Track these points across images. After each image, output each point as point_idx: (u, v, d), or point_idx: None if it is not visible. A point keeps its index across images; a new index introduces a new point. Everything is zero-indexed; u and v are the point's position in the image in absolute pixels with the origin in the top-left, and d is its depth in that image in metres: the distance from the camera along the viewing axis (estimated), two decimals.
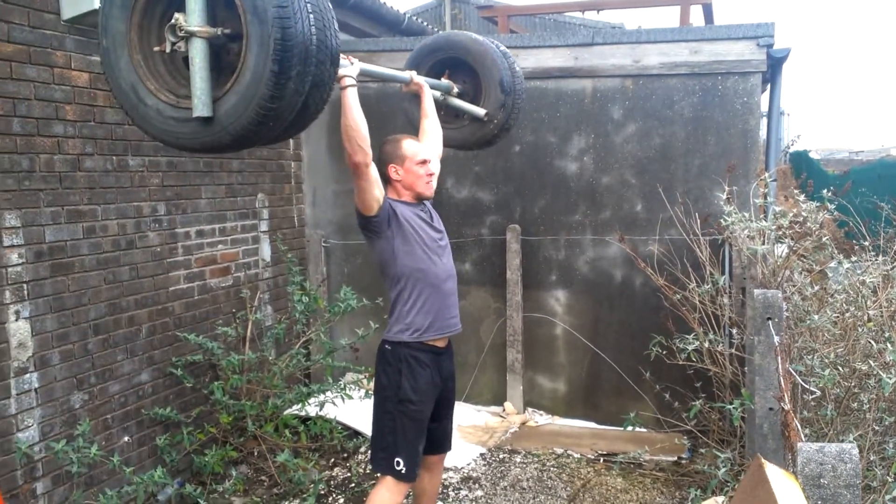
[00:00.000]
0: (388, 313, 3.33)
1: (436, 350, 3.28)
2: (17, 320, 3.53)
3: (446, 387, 3.38)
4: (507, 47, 5.34)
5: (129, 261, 4.17)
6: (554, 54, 5.36)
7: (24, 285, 3.57)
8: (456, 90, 3.97)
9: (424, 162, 3.28)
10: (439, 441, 3.45)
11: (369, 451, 3.42)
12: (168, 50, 2.37)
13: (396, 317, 3.27)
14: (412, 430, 3.21)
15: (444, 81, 3.92)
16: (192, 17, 2.27)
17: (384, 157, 3.29)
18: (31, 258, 3.59)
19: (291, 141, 5.68)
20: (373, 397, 3.33)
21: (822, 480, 1.45)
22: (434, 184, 3.38)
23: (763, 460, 1.54)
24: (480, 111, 3.92)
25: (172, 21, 2.31)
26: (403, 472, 3.18)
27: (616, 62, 5.26)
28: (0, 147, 3.44)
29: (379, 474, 3.32)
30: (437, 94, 3.84)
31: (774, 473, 1.47)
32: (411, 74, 3.65)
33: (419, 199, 3.35)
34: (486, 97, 3.94)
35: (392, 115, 5.66)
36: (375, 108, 5.69)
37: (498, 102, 3.91)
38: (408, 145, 3.28)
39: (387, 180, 3.30)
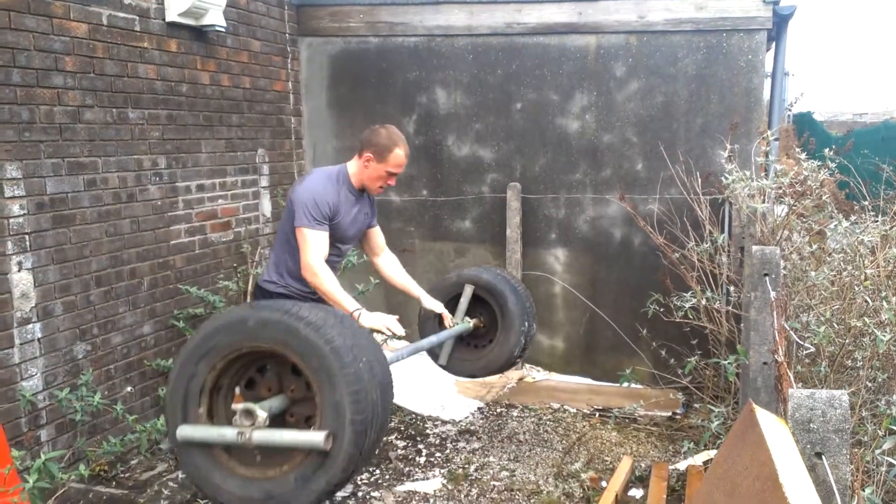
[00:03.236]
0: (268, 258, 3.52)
1: (306, 295, 3.43)
2: (19, 271, 3.55)
3: None
4: (511, 2, 5.30)
5: (129, 214, 4.18)
6: (558, 9, 5.29)
7: (26, 236, 3.58)
8: (472, 324, 4.15)
9: (393, 175, 3.43)
10: None
11: None
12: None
13: (275, 268, 3.47)
14: None
15: (467, 324, 4.12)
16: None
17: (372, 140, 3.37)
18: (32, 209, 3.60)
19: (291, 96, 5.65)
20: None
21: (811, 425, 1.49)
22: (381, 192, 3.56)
23: (754, 405, 1.57)
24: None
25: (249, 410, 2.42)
26: None
27: (620, 18, 5.20)
28: (0, 97, 3.42)
29: None
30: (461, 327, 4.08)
31: (765, 418, 1.51)
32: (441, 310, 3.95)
33: (360, 192, 3.50)
34: (504, 328, 4.15)
35: (390, 71, 5.63)
36: (375, 64, 5.65)
37: (519, 332, 4.14)
38: (396, 155, 3.37)
39: (358, 153, 3.44)
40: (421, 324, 4.27)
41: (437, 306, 3.88)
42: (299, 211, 3.27)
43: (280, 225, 3.52)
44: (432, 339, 3.84)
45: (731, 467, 1.57)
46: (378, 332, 3.34)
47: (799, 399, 1.50)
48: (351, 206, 3.46)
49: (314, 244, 3.27)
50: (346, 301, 3.28)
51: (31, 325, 3.63)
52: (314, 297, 3.45)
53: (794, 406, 1.50)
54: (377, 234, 3.80)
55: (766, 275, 3.02)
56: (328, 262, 3.39)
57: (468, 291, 4.14)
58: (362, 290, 4.90)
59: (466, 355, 4.23)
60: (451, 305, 4.14)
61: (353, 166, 3.46)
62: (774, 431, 1.47)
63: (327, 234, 3.32)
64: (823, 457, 1.48)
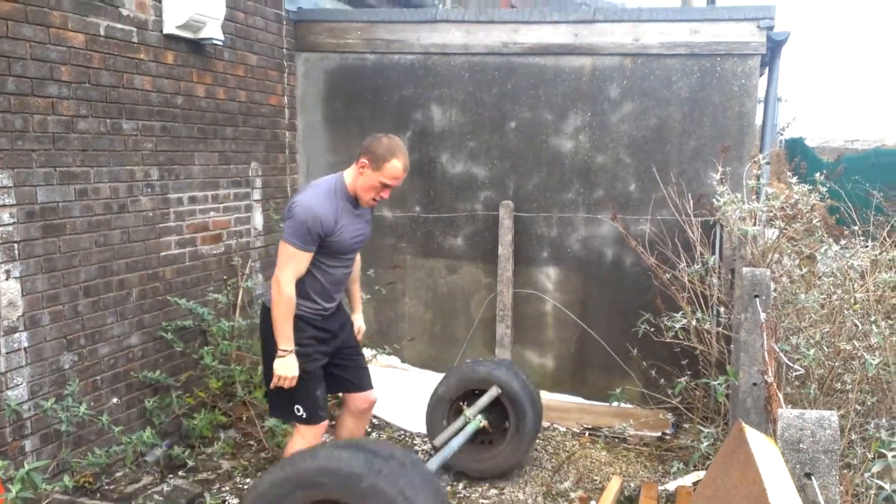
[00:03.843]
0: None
1: (318, 313, 3.44)
2: (7, 280, 3.53)
3: (342, 335, 3.59)
4: (508, 22, 5.35)
5: (120, 224, 4.16)
6: (554, 30, 5.34)
7: (15, 245, 3.56)
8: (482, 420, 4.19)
9: (387, 187, 3.34)
10: (355, 381, 3.64)
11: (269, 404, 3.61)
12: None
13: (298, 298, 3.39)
14: (304, 380, 3.35)
15: (479, 423, 4.16)
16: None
17: (371, 147, 3.30)
18: (22, 218, 3.58)
19: (287, 110, 5.66)
20: (262, 356, 3.50)
21: (801, 445, 1.48)
22: (375, 205, 3.49)
23: (744, 424, 1.57)
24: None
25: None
26: (305, 416, 3.40)
27: (616, 40, 5.24)
28: None
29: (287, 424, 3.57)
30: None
31: (754, 437, 1.50)
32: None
33: (353, 202, 3.42)
34: (514, 441, 4.23)
35: (386, 88, 5.65)
36: (371, 80, 5.67)
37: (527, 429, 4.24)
38: (392, 165, 3.28)
39: (356, 159, 3.36)
40: (430, 411, 4.34)
41: (359, 322, 3.85)
42: (293, 227, 3.23)
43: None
44: (453, 446, 3.85)
45: (721, 486, 1.56)
46: (282, 378, 3.30)
47: (788, 419, 1.49)
48: (351, 218, 3.39)
49: (293, 264, 3.25)
50: (284, 334, 3.26)
51: (17, 335, 3.60)
52: (326, 313, 3.45)
53: (783, 426, 1.49)
54: None
55: (756, 296, 3.03)
56: (336, 275, 3.42)
57: (493, 393, 4.20)
58: None
59: (464, 448, 4.15)
60: (473, 396, 4.27)
61: (349, 174, 3.38)
62: (764, 451, 1.46)
63: (311, 256, 3.28)
64: (813, 477, 1.48)
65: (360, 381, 3.65)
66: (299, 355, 3.33)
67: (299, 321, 3.35)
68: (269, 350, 3.37)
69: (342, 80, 5.72)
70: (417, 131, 5.66)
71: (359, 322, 3.85)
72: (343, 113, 5.76)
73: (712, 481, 1.71)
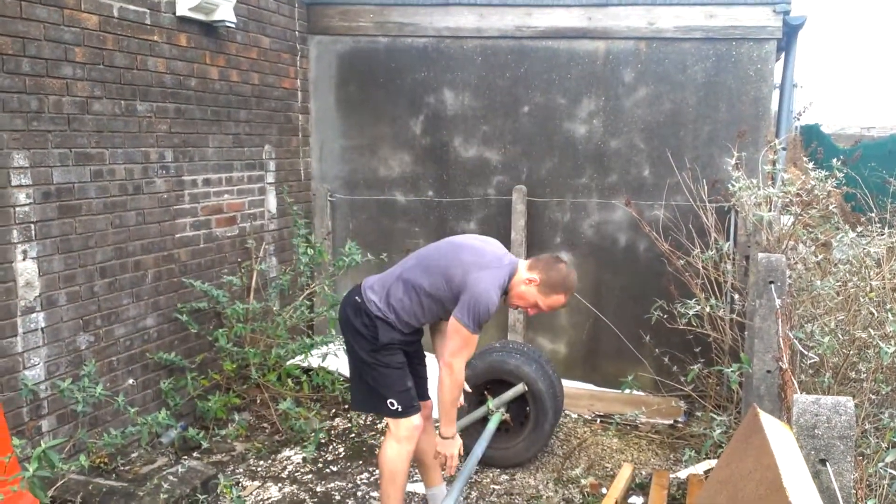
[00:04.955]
0: (391, 293, 3.28)
1: (406, 328, 3.33)
2: (24, 260, 3.55)
3: (417, 344, 3.49)
4: (521, 5, 5.31)
5: (135, 206, 4.18)
6: (568, 14, 5.29)
7: (32, 225, 3.58)
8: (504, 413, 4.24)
9: (540, 309, 3.29)
10: (416, 389, 3.52)
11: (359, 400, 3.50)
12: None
13: (392, 306, 3.27)
14: (397, 371, 3.29)
15: (502, 416, 4.21)
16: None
17: (551, 273, 3.22)
18: (38, 199, 3.60)
19: (300, 93, 5.65)
20: (347, 350, 3.40)
21: (816, 431, 1.47)
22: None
23: (759, 409, 1.56)
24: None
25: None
26: (399, 409, 3.27)
27: (630, 24, 5.20)
28: (9, 87, 3.43)
29: (385, 428, 3.42)
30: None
31: (769, 422, 1.50)
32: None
33: (504, 295, 3.30)
34: (532, 437, 4.27)
35: (399, 71, 5.63)
36: (384, 64, 5.65)
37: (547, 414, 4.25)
38: (556, 299, 3.24)
39: (533, 266, 3.26)
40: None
41: None
42: (470, 310, 3.08)
43: (412, 269, 3.30)
44: (483, 444, 3.86)
45: (734, 471, 1.56)
46: (440, 456, 3.34)
47: (804, 404, 1.49)
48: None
49: (468, 348, 3.17)
50: (450, 418, 3.26)
51: (34, 315, 3.63)
52: (411, 336, 3.35)
53: (798, 412, 1.48)
54: None
55: (771, 282, 3.01)
56: (429, 321, 3.36)
57: (519, 390, 4.21)
58: None
59: (477, 435, 4.14)
60: (496, 386, 4.27)
61: (520, 274, 3.23)
62: (779, 436, 1.46)
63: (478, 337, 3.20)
64: (828, 463, 1.47)
65: (421, 390, 3.54)
66: (388, 350, 3.26)
67: (391, 327, 3.25)
68: (357, 350, 3.32)
69: (355, 64, 5.71)
70: (430, 115, 5.64)
71: None
72: (356, 96, 5.75)
73: (726, 465, 1.70)
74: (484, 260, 3.20)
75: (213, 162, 4.75)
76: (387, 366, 3.27)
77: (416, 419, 3.33)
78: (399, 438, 3.31)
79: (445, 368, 3.19)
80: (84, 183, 3.85)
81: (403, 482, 3.37)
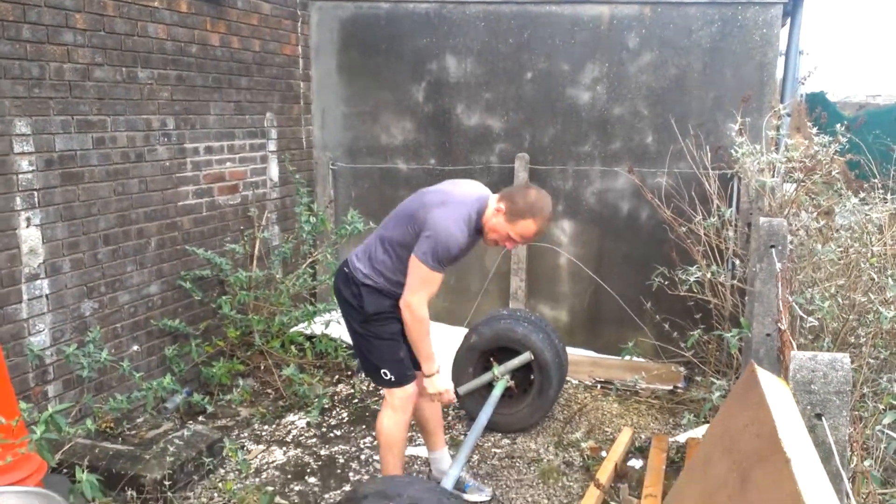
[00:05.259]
0: (373, 255, 3.24)
1: (399, 293, 3.26)
2: (27, 227, 3.57)
3: None
4: None
5: (138, 174, 4.18)
6: None
7: (35, 193, 3.60)
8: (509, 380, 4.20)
9: (514, 242, 3.18)
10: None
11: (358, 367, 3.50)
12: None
13: (376, 269, 3.22)
14: (389, 341, 3.27)
15: (507, 383, 4.18)
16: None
17: (515, 198, 3.11)
18: (41, 166, 3.61)
19: (301, 60, 5.62)
20: (344, 321, 3.37)
21: (812, 386, 1.49)
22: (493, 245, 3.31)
23: (756, 366, 1.58)
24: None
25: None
26: (393, 379, 3.28)
27: None
28: (10, 53, 3.42)
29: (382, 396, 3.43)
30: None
31: (766, 378, 1.52)
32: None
33: (479, 233, 3.23)
34: (535, 404, 4.31)
35: (401, 38, 5.58)
36: (386, 30, 5.61)
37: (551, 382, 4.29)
38: (525, 225, 3.09)
39: (499, 197, 3.19)
40: (459, 358, 4.36)
41: None
42: (429, 245, 3.01)
43: (387, 225, 3.26)
44: (488, 411, 3.87)
45: (731, 425, 1.58)
46: (434, 394, 3.29)
47: (801, 360, 1.50)
48: (468, 246, 3.21)
49: (427, 285, 3.07)
50: (425, 355, 3.20)
51: (38, 282, 3.66)
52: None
53: (795, 367, 1.50)
54: None
55: (772, 246, 3.02)
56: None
57: (525, 358, 4.22)
58: None
59: (482, 402, 4.15)
60: (502, 353, 4.27)
61: (490, 207, 3.17)
62: (775, 392, 1.48)
63: (442, 277, 3.10)
64: (823, 418, 1.49)
65: None
66: (378, 320, 3.23)
67: (379, 293, 3.21)
68: (347, 321, 3.31)
69: (356, 30, 5.66)
70: (432, 82, 5.61)
71: None
72: (358, 63, 5.71)
73: (723, 420, 1.73)
74: (448, 198, 3.14)
75: (214, 130, 4.74)
76: (377, 336, 3.26)
77: (409, 388, 3.33)
78: (394, 408, 3.32)
79: (405, 309, 3.10)
80: (86, 150, 3.85)
81: (401, 449, 3.39)
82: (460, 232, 3.07)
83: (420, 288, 3.07)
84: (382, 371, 3.28)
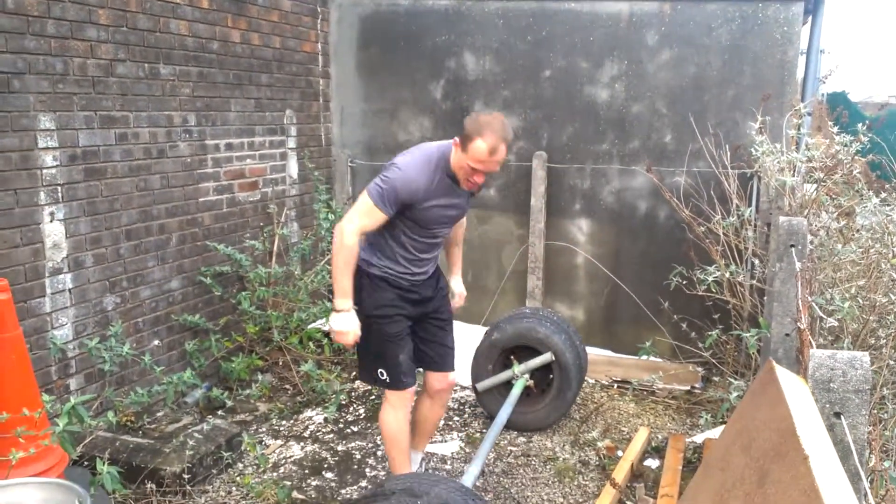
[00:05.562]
0: (370, 238, 3.24)
1: (406, 278, 3.26)
2: (51, 221, 3.62)
3: (434, 303, 3.41)
4: None
5: (160, 169, 4.23)
6: None
7: (59, 188, 3.65)
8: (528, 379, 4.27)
9: (475, 170, 3.03)
10: (436, 359, 3.47)
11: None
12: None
13: (376, 250, 3.24)
14: (387, 343, 3.24)
15: (526, 381, 4.25)
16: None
17: (465, 124, 3.04)
18: (65, 161, 3.66)
19: (320, 57, 5.65)
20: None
21: (831, 385, 1.49)
22: (472, 188, 3.19)
23: (774, 363, 1.58)
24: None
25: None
26: (388, 381, 3.27)
27: None
28: (35, 48, 3.47)
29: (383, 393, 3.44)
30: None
31: (785, 376, 1.51)
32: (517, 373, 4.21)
33: (452, 178, 3.15)
34: (554, 405, 4.30)
35: (420, 35, 5.60)
36: (405, 27, 5.62)
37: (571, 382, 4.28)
38: (476, 146, 2.96)
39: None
40: (479, 354, 4.37)
41: (458, 287, 3.70)
42: (379, 180, 3.02)
43: None
44: (507, 409, 3.89)
45: (749, 423, 1.58)
46: (337, 334, 3.13)
47: (820, 359, 1.50)
48: (445, 194, 3.13)
49: (364, 217, 3.03)
50: (340, 288, 3.07)
51: (62, 276, 3.71)
52: (415, 279, 3.28)
53: (814, 365, 1.50)
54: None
55: (792, 246, 3.00)
56: (419, 246, 3.22)
57: (546, 359, 4.23)
58: None
59: (500, 399, 4.18)
60: (522, 352, 4.29)
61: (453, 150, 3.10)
62: (794, 389, 1.48)
63: (384, 219, 3.05)
64: (842, 416, 1.49)
65: (442, 360, 3.47)
66: (381, 318, 3.20)
67: (382, 282, 3.21)
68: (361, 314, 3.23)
69: (375, 27, 5.68)
70: (451, 79, 5.62)
71: (458, 287, 3.68)
72: (377, 60, 5.73)
73: (741, 417, 1.73)
74: (413, 149, 3.18)
75: (235, 126, 4.78)
76: (379, 335, 3.24)
77: (409, 392, 3.32)
78: (393, 405, 3.33)
79: (336, 233, 3.06)
80: (109, 146, 3.90)
81: (405, 443, 3.38)
82: (416, 173, 3.04)
83: (357, 217, 3.04)
84: (379, 370, 3.28)
